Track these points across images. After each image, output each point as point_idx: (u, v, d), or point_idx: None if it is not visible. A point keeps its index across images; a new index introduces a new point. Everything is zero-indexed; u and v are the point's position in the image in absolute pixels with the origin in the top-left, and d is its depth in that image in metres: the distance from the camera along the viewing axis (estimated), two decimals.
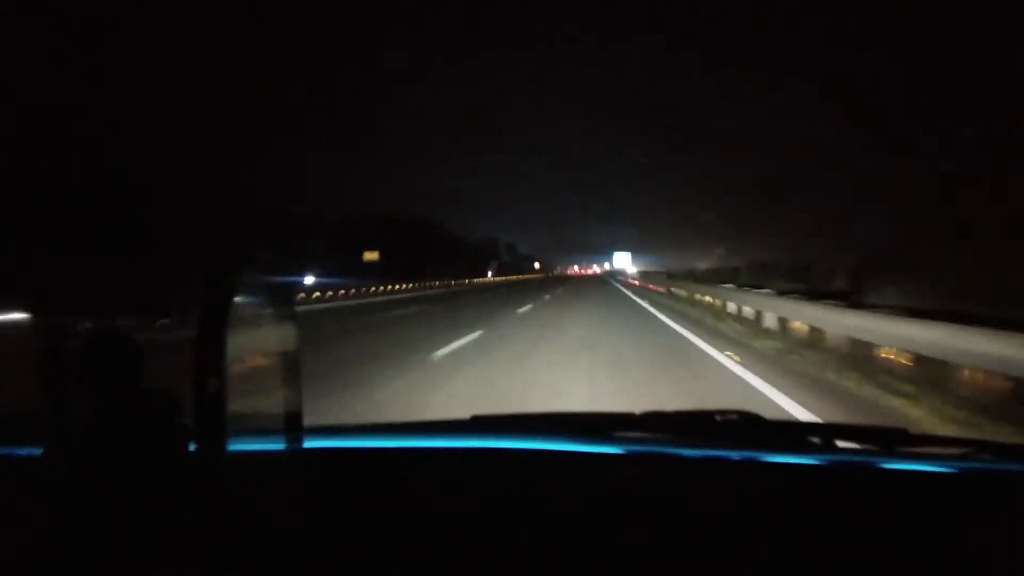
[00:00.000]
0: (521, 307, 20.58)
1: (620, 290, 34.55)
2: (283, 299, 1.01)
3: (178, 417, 1.08)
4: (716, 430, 1.58)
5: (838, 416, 5.41)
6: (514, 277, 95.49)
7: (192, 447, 0.80)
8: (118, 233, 27.98)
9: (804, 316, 10.58)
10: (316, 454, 1.34)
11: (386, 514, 1.14)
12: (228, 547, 0.86)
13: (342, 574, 1.02)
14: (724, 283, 20.87)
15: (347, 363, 8.64)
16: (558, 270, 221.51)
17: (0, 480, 1.19)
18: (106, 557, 0.91)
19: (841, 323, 8.95)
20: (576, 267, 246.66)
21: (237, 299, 0.82)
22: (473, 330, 12.51)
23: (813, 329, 10.19)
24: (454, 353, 9.44)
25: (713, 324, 13.99)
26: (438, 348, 9.76)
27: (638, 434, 1.57)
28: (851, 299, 11.39)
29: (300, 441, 1.05)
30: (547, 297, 27.52)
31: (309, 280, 29.65)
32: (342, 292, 30.16)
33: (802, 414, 5.50)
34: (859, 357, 8.11)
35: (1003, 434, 4.83)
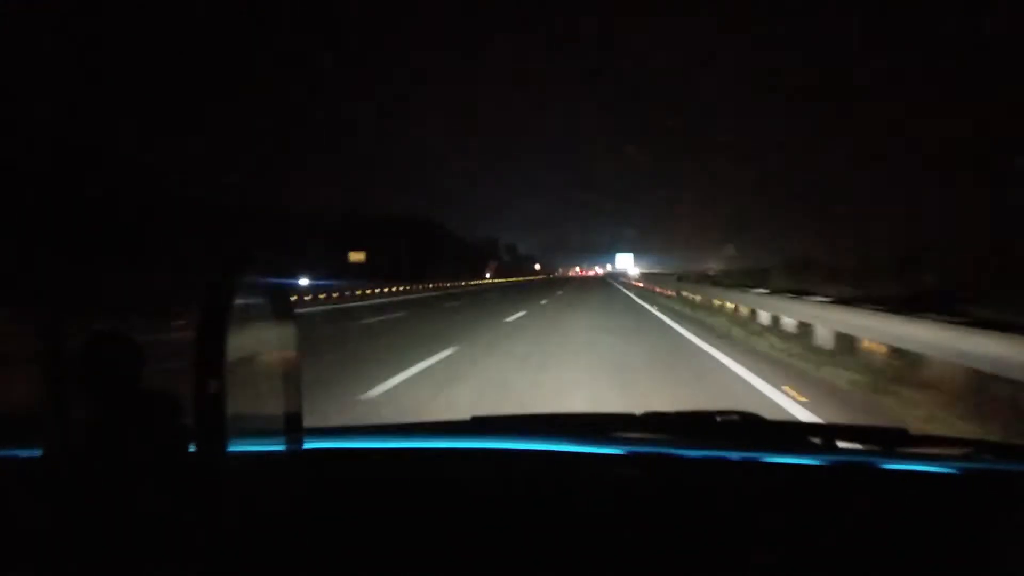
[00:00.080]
0: (511, 315, 17.23)
1: (626, 294, 33.21)
2: (282, 300, 1.01)
3: (178, 417, 1.08)
4: (716, 430, 1.58)
5: None
6: (513, 279, 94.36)
7: (192, 447, 0.80)
8: (118, 234, 28.03)
9: (910, 338, 7.00)
10: (316, 455, 1.34)
11: (386, 515, 1.14)
12: (228, 548, 0.86)
13: (342, 575, 1.02)
14: (752, 288, 17.42)
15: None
16: (560, 271, 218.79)
17: (0, 480, 1.19)
18: (106, 557, 0.91)
19: (968, 350, 5.77)
20: (578, 268, 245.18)
21: (237, 300, 0.82)
22: (444, 347, 9.95)
23: (895, 351, 7.47)
24: (399, 388, 6.91)
25: (746, 339, 11.65)
26: (381, 381, 7.13)
27: (638, 435, 1.57)
28: (949, 310, 7.79)
29: (300, 442, 1.05)
30: (543, 302, 25.04)
31: (304, 282, 27.92)
32: (322, 296, 26.58)
33: None
34: (993, 399, 5.44)
35: None
